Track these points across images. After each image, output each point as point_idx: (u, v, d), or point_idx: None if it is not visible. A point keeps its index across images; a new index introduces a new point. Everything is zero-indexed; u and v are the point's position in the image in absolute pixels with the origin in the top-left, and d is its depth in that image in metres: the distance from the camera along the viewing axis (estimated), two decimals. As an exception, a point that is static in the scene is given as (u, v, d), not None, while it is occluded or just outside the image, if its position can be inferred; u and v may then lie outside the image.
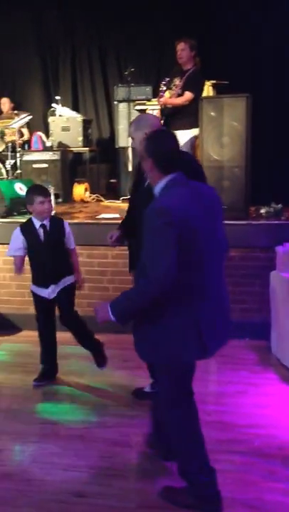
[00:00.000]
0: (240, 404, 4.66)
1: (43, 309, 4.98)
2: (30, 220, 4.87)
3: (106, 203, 8.17)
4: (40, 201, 4.71)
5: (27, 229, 4.82)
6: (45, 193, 4.82)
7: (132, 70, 7.20)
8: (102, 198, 8.42)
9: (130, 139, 4.31)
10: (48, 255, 4.79)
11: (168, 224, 2.84)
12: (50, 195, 4.89)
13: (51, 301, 4.92)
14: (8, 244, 6.11)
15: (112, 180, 9.64)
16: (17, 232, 4.84)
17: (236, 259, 5.96)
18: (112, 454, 3.91)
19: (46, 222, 4.80)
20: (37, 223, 4.80)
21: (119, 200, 8.26)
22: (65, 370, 5.23)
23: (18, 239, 4.82)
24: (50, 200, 4.84)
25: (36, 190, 4.89)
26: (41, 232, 4.79)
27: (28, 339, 6.00)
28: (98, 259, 6.22)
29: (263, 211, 6.47)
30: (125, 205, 7.69)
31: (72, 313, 4.97)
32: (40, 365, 5.11)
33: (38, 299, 4.96)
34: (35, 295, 4.97)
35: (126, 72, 7.20)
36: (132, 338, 5.67)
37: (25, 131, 9.64)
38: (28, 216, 6.55)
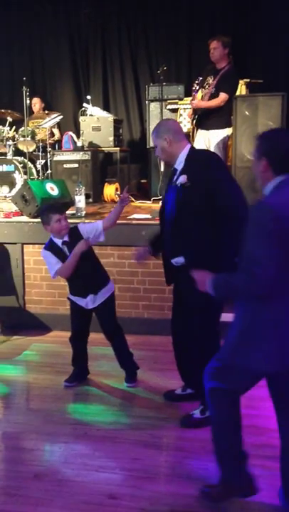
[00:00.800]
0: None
1: (79, 317, 4.91)
2: (51, 241, 4.74)
3: (137, 203, 8.12)
4: (57, 219, 4.58)
5: (52, 250, 4.68)
6: (61, 210, 4.70)
7: (165, 68, 7.16)
8: (133, 199, 8.35)
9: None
10: (80, 269, 4.65)
11: (271, 221, 2.76)
12: (65, 212, 4.74)
13: (88, 310, 4.85)
14: (39, 244, 6.23)
15: (142, 181, 9.60)
16: (45, 253, 4.71)
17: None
18: (143, 455, 3.87)
19: (67, 238, 4.66)
20: (58, 242, 4.67)
21: (150, 200, 8.22)
22: (96, 371, 5.20)
23: (50, 257, 4.68)
24: (66, 217, 4.68)
25: (51, 208, 4.74)
26: (66, 249, 4.65)
27: (58, 339, 6.01)
28: (129, 260, 6.17)
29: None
30: (156, 206, 7.74)
31: (114, 326, 4.91)
32: (70, 365, 5.07)
33: (75, 307, 4.89)
34: (72, 303, 4.91)
35: (158, 71, 7.14)
36: (162, 339, 5.76)
37: (56, 131, 9.66)
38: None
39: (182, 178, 4.01)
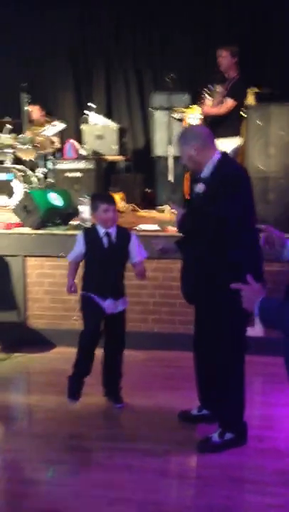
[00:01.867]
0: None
1: (96, 315, 4.56)
2: (94, 227, 4.66)
3: (142, 213, 7.92)
4: (104, 209, 4.49)
5: (90, 235, 4.60)
6: (110, 201, 4.62)
7: (173, 76, 7.02)
8: (138, 208, 8.16)
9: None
10: (111, 265, 4.54)
11: None
12: (115, 203, 4.68)
13: (104, 315, 4.58)
14: (42, 256, 6.02)
15: (146, 190, 9.38)
16: (80, 237, 4.62)
17: (283, 273, 5.64)
18: (161, 485, 3.58)
19: (112, 231, 4.55)
20: (101, 230, 4.55)
21: (155, 210, 8.02)
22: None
23: (80, 244, 4.61)
24: (114, 209, 4.60)
25: (101, 197, 4.76)
26: (106, 240, 4.54)
27: (63, 356, 5.72)
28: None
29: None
30: (161, 216, 7.55)
31: (124, 338, 4.70)
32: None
33: (92, 305, 4.56)
34: (88, 300, 4.57)
35: (167, 79, 7.01)
36: (173, 355, 5.52)
37: (56, 138, 9.40)
38: (63, 227, 6.38)
39: (200, 187, 3.87)
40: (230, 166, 3.98)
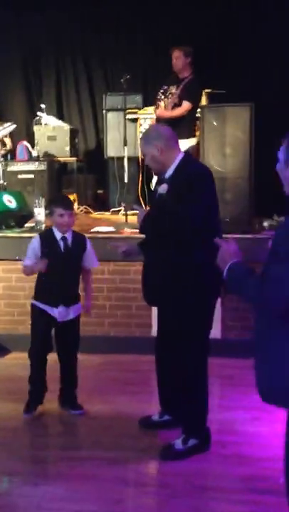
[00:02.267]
0: (256, 433, 4.27)
1: (45, 325, 4.53)
2: (50, 230, 4.57)
3: (95, 214, 7.86)
4: (59, 214, 4.42)
5: (46, 238, 4.52)
6: (66, 205, 4.52)
7: (128, 77, 6.98)
8: (91, 210, 8.08)
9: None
10: (65, 270, 4.46)
11: None
12: (72, 208, 4.60)
13: (55, 323, 4.51)
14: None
15: (99, 191, 9.30)
16: (35, 242, 4.51)
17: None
18: (126, 495, 3.51)
19: (68, 236, 4.50)
20: (58, 235, 4.49)
21: (108, 211, 7.93)
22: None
23: (35, 249, 4.50)
24: (71, 214, 4.51)
25: (57, 201, 4.67)
26: (62, 244, 4.48)
27: (19, 361, 5.53)
28: (93, 275, 5.83)
29: (266, 224, 6.20)
30: (115, 217, 7.50)
31: (74, 353, 4.62)
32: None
33: (41, 315, 4.51)
34: (38, 311, 4.52)
35: (122, 80, 6.97)
36: (130, 358, 5.45)
37: (7, 140, 9.20)
38: (18, 230, 6.25)
39: (163, 187, 3.82)
40: (194, 165, 4.00)
